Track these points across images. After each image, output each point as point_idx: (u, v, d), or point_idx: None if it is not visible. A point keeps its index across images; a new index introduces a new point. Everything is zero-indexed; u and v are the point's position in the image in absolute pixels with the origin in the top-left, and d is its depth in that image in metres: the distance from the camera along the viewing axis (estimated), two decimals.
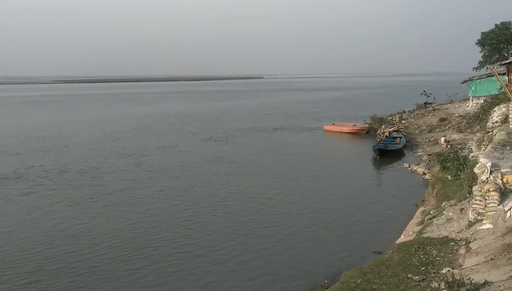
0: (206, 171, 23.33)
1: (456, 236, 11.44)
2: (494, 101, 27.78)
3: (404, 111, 42.42)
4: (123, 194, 19.37)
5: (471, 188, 12.57)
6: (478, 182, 12.05)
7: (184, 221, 15.85)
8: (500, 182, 11.55)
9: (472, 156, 18.11)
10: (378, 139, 31.84)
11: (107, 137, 35.49)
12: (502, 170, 11.90)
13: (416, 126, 35.37)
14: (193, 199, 18.49)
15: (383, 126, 34.67)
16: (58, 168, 24.35)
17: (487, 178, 11.71)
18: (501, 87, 26.68)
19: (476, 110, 32.89)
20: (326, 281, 11.22)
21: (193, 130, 39.61)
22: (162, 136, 36.09)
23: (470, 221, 11.82)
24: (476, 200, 11.78)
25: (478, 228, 11.15)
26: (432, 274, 9.40)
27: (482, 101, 33.38)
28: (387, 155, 26.74)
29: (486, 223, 11.05)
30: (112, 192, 19.66)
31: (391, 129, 33.55)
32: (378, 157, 26.31)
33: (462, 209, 13.16)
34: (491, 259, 9.01)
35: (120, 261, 12.75)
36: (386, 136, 32.13)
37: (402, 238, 13.31)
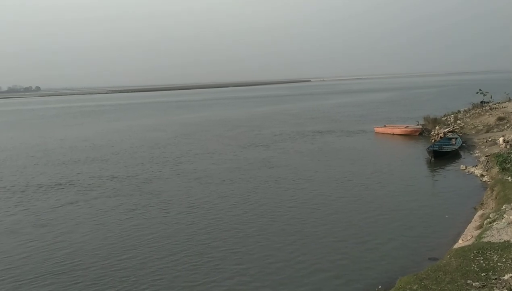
0: (254, 177, 23.43)
1: None
2: None
3: (459, 111, 40.92)
4: (175, 200, 19.78)
5: None
6: None
7: (243, 225, 15.97)
8: None
9: None
10: (433, 141, 30.95)
11: (155, 144, 36.45)
12: None
13: (472, 127, 34.04)
14: (248, 204, 18.58)
15: (437, 127, 33.66)
16: (108, 175, 25.26)
17: None
18: None
19: None
20: (380, 287, 11.02)
21: (237, 136, 39.98)
22: (207, 142, 36.66)
23: None
24: None
25: None
26: (493, 281, 9.02)
27: None
28: (442, 156, 25.89)
29: None
30: (164, 198, 20.13)
31: (446, 130, 32.50)
32: (433, 159, 25.52)
33: None
34: None
35: (183, 265, 12.99)
36: (440, 137, 31.20)
37: (460, 243, 12.84)
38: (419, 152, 28.67)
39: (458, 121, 36.22)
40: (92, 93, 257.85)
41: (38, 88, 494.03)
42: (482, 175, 21.04)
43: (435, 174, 23.10)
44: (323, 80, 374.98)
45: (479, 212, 15.59)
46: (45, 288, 11.89)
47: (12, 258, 13.94)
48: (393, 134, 36.27)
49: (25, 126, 61.44)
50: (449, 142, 29.08)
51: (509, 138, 26.60)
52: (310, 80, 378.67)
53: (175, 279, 12.09)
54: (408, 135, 35.24)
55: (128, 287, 11.74)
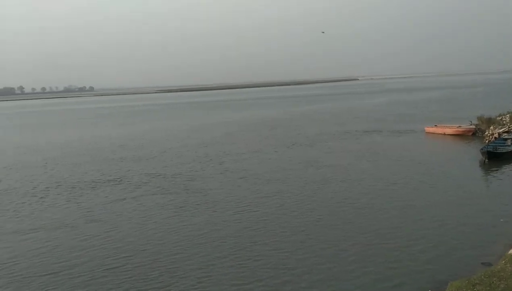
0: (300, 177, 23.28)
1: None
2: None
3: None
4: (221, 199, 19.97)
5: None
6: None
7: (291, 226, 15.89)
8: None
9: None
10: (487, 141, 29.69)
11: (199, 143, 36.98)
12: None
13: None
14: (296, 204, 18.46)
15: (491, 127, 32.23)
16: (155, 173, 25.85)
17: None
18: None
19: None
20: (430, 290, 10.68)
21: (280, 135, 39.87)
22: (250, 142, 36.79)
23: None
24: None
25: None
26: None
27: None
28: (497, 158, 24.76)
29: None
30: (210, 197, 20.39)
31: (501, 130, 31.07)
32: (487, 160, 24.45)
33: None
34: None
35: (230, 263, 13.12)
36: (495, 138, 29.90)
37: None
38: (472, 153, 27.57)
39: None
40: (141, 93, 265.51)
41: (91, 88, 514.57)
42: None
43: (489, 176, 22.13)
44: (371, 78, 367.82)
45: None
46: (99, 283, 12.28)
47: (67, 253, 14.46)
48: (445, 134, 35.08)
49: (79, 125, 64.04)
50: (504, 143, 27.80)
51: None
52: (357, 79, 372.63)
53: (222, 277, 12.17)
54: (460, 136, 33.97)
55: (176, 284, 11.95)
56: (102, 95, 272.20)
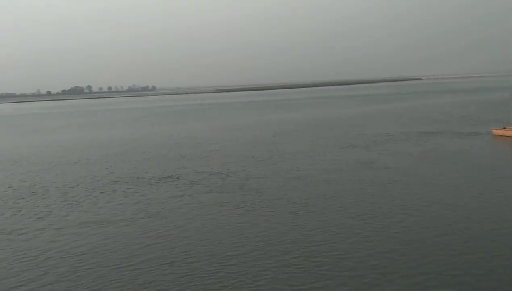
0: (358, 179, 22.57)
1: None
2: None
3: None
4: (278, 199, 19.76)
5: None
6: None
7: (350, 230, 15.50)
8: None
9: None
10: None
11: (253, 143, 36.99)
12: None
13: None
14: (354, 207, 17.95)
15: None
16: (210, 171, 26.08)
17: None
18: None
19: None
20: None
21: (336, 136, 39.08)
22: (305, 142, 36.27)
23: None
24: None
25: None
26: None
27: None
28: None
29: None
30: (267, 197, 20.25)
31: None
32: None
33: None
34: None
35: (289, 266, 12.87)
36: None
37: None
38: None
39: None
40: (201, 93, 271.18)
41: (154, 88, 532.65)
42: None
43: None
44: (435, 78, 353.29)
45: None
46: (158, 275, 12.48)
47: (129, 246, 14.85)
48: None
49: (139, 123, 66.21)
50: None
51: None
52: (420, 79, 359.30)
53: (278, 277, 11.99)
54: None
55: (233, 280, 11.93)
56: (163, 95, 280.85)
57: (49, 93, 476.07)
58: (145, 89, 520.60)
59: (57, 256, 14.12)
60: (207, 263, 13.05)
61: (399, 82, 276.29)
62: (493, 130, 35.55)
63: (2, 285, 12.21)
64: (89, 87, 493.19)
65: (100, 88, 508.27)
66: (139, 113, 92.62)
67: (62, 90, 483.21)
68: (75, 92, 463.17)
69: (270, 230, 15.61)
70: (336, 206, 18.02)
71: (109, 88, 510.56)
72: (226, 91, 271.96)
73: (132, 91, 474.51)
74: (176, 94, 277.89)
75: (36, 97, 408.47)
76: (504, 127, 35.36)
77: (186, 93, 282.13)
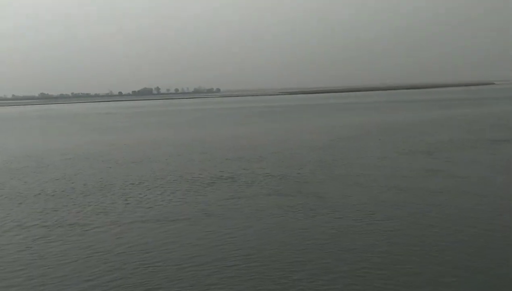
0: (420, 187, 21.54)
1: None
2: None
3: None
4: (339, 204, 19.28)
5: None
6: None
7: (421, 241, 14.81)
8: None
9: None
10: None
11: (314, 146, 36.44)
12: None
13: None
14: (422, 217, 17.08)
15: None
16: (267, 173, 25.96)
17: None
18: None
19: None
20: None
21: (398, 141, 37.60)
22: (366, 146, 35.24)
23: None
24: None
25: None
26: None
27: None
28: None
29: None
30: (328, 202, 19.80)
31: None
32: None
33: None
34: None
35: (361, 278, 12.54)
36: None
37: None
38: None
39: None
40: (264, 95, 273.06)
41: (218, 90, 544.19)
42: None
43: None
44: (510, 83, 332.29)
45: None
46: (220, 278, 12.48)
47: (189, 246, 14.96)
48: None
49: (204, 124, 67.70)
50: None
51: None
52: (493, 83, 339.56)
53: (345, 289, 11.57)
54: None
55: (293, 289, 11.69)
56: (227, 97, 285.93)
57: (120, 94, 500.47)
58: (210, 91, 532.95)
59: (124, 253, 14.51)
60: (271, 268, 12.84)
61: (470, 86, 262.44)
62: None
63: (72, 280, 12.68)
64: (158, 88, 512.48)
65: (168, 90, 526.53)
66: (203, 115, 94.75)
67: (133, 91, 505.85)
68: (144, 93, 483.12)
69: (335, 237, 15.12)
70: (403, 215, 17.16)
71: (176, 89, 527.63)
72: (290, 94, 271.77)
73: (198, 93, 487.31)
74: (241, 96, 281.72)
75: (109, 97, 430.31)
76: None
77: (250, 95, 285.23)
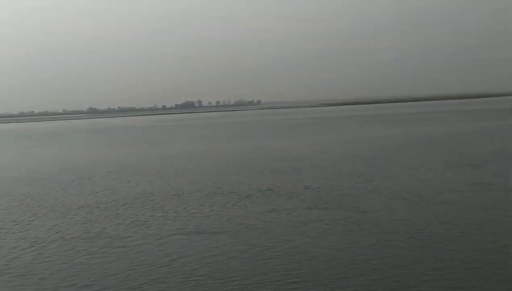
0: (471, 201, 20.42)
1: None
2: None
3: None
4: (383, 219, 18.52)
5: None
6: None
7: (484, 264, 13.91)
8: None
9: None
10: None
11: (354, 158, 35.68)
12: None
13: None
14: (480, 233, 16.10)
15: None
16: (306, 185, 25.47)
17: None
18: None
19: None
20: None
21: (443, 153, 36.13)
22: (407, 158, 34.06)
23: None
24: None
25: None
26: None
27: None
28: None
29: None
30: (369, 217, 19.09)
31: None
32: None
33: None
34: None
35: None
36: None
37: None
38: None
39: None
40: (305, 107, 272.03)
41: (259, 102, 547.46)
42: None
43: None
44: None
45: None
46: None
47: (229, 260, 14.69)
48: None
49: (244, 136, 67.88)
50: None
51: None
52: None
53: None
54: None
55: None
56: (267, 109, 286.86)
57: (164, 107, 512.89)
58: (251, 103, 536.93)
59: (166, 265, 14.41)
60: (315, 284, 12.35)
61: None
62: None
63: None
64: (199, 101, 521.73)
65: (209, 103, 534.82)
66: (244, 127, 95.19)
67: (176, 105, 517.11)
68: (187, 107, 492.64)
69: (382, 253, 14.41)
70: (453, 231, 16.22)
71: (217, 102, 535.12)
72: (331, 105, 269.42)
73: (239, 105, 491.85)
74: (281, 108, 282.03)
75: (153, 111, 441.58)
76: None
77: (291, 107, 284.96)
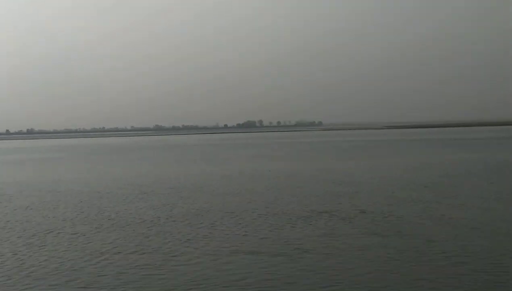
0: None
1: None
2: None
3: None
4: (458, 250, 17.30)
5: None
6: None
7: None
8: None
9: None
10: None
11: (422, 185, 33.96)
12: None
13: None
14: None
15: None
16: (367, 210, 24.55)
17: None
18: None
19: None
20: None
21: None
22: (477, 185, 31.85)
23: None
24: None
25: None
26: None
27: None
28: None
29: None
30: (441, 247, 17.96)
31: None
32: None
33: None
34: None
35: None
36: None
37: None
38: None
39: None
40: (368, 129, 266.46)
41: (320, 123, 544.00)
42: None
43: None
44: None
45: None
46: None
47: (295, 286, 14.27)
48: None
49: (304, 158, 67.24)
50: None
51: None
52: None
53: None
54: None
55: None
56: (328, 130, 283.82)
57: (226, 126, 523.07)
58: (312, 124, 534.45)
59: (224, 286, 14.29)
60: None
61: None
62: None
63: None
64: (260, 121, 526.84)
65: (270, 123, 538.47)
66: (303, 147, 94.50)
67: (237, 124, 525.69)
68: (248, 126, 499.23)
69: (457, 288, 13.35)
70: None
71: (278, 122, 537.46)
72: (396, 128, 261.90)
73: (300, 126, 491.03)
74: (343, 129, 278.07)
75: (215, 129, 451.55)
76: None
77: (353, 129, 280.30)
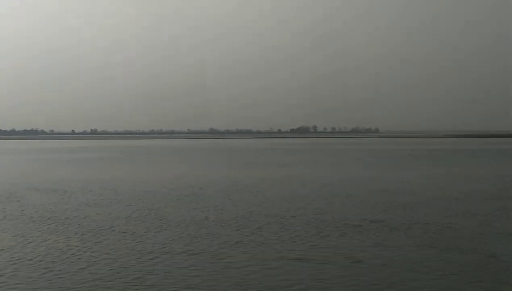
0: None
1: None
2: None
3: None
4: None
5: None
6: None
7: None
8: None
9: None
10: None
11: (476, 195, 32.36)
12: None
13: None
14: None
15: None
16: (417, 221, 23.55)
17: None
18: None
19: None
20: None
21: None
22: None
23: None
24: None
25: None
26: None
27: None
28: None
29: None
30: (506, 264, 16.84)
31: None
32: None
33: None
34: None
35: None
36: None
37: None
38: None
39: None
40: (427, 137, 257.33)
41: (377, 130, 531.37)
42: None
43: None
44: None
45: None
46: None
47: None
48: None
49: (353, 165, 65.80)
50: None
51: None
52: None
53: None
54: None
55: None
56: (386, 137, 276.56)
57: (279, 131, 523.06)
58: (368, 131, 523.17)
59: (266, 290, 14.11)
60: None
61: None
62: None
63: None
64: (315, 127, 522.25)
65: (325, 129, 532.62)
66: (358, 155, 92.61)
67: (291, 129, 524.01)
68: (302, 132, 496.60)
69: None
70: None
71: (333, 128, 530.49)
72: (457, 137, 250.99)
73: (356, 133, 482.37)
74: (401, 137, 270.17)
75: (269, 134, 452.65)
76: None
77: (411, 137, 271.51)
